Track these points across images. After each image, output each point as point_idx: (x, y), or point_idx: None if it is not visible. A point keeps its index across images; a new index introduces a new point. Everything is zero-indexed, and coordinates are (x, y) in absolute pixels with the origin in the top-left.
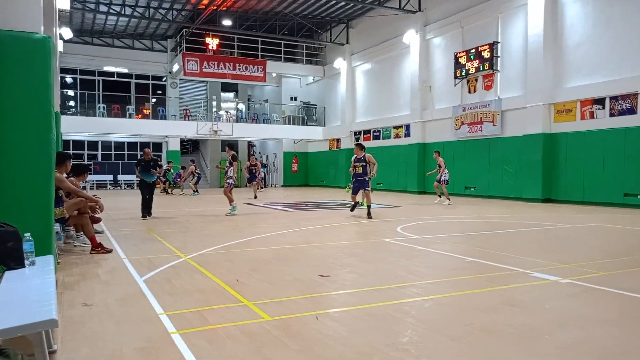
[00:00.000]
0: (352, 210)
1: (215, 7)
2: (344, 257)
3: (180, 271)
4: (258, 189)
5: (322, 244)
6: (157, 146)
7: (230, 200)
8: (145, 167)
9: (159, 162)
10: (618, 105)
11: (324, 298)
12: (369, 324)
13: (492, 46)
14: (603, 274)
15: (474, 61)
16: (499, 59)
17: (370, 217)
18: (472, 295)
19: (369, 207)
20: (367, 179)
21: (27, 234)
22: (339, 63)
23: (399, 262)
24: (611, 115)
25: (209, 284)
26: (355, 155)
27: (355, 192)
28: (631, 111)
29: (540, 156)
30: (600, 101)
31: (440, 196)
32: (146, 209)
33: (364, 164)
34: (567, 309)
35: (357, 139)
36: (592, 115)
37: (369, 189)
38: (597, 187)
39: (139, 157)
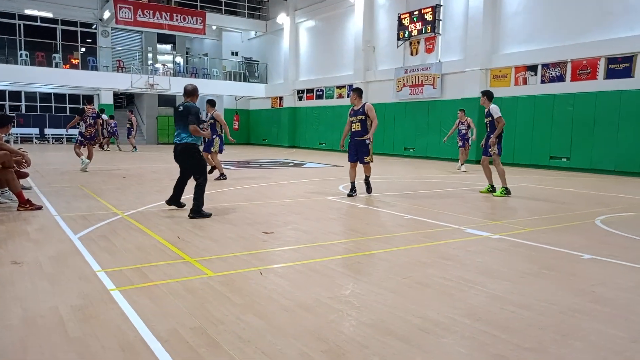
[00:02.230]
0: (351, 193)
1: None
2: (287, 215)
3: (118, 228)
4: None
5: (265, 201)
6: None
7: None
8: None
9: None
10: (549, 72)
11: (267, 254)
12: (312, 278)
13: (435, 9)
14: (529, 230)
15: (417, 23)
16: (441, 22)
17: (370, 192)
18: (409, 250)
19: (367, 177)
20: (367, 142)
21: None
22: (282, 18)
23: (340, 219)
24: (542, 82)
25: (149, 241)
26: (352, 106)
27: (349, 159)
28: (560, 78)
29: (476, 120)
30: (533, 68)
31: (463, 163)
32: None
33: (363, 117)
34: (497, 262)
35: (299, 98)
36: (524, 82)
37: (370, 157)
38: (526, 150)
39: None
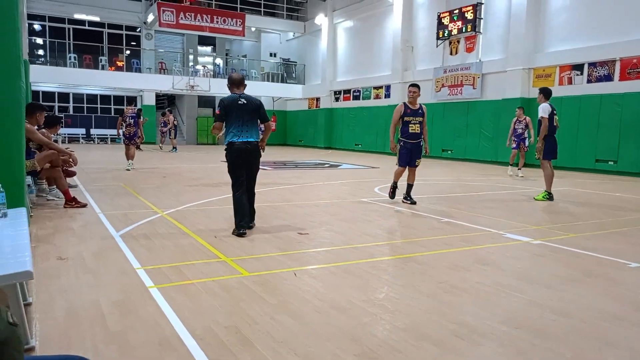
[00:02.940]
0: (392, 194)
1: None
2: (322, 216)
3: (157, 227)
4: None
5: (300, 202)
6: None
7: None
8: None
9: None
10: (596, 71)
11: (302, 255)
12: (346, 280)
13: (476, 7)
14: (572, 236)
15: (457, 22)
16: (481, 21)
17: (411, 201)
18: (447, 254)
19: (410, 186)
20: (422, 144)
21: None
22: (321, 19)
23: (376, 222)
24: (588, 81)
25: (187, 240)
26: (409, 106)
27: (404, 164)
28: (608, 78)
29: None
30: (578, 67)
31: (520, 167)
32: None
33: (422, 119)
34: (537, 267)
35: (336, 99)
36: (570, 81)
37: (420, 160)
38: (570, 152)
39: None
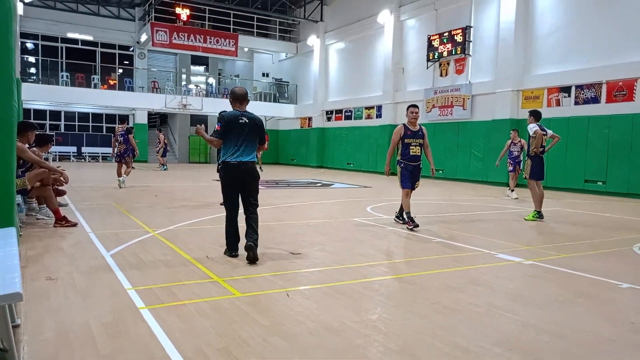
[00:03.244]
0: (412, 225)
1: None
2: (314, 236)
3: (149, 246)
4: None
5: (292, 222)
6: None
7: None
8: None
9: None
10: (583, 93)
11: (294, 275)
12: (339, 301)
13: (465, 30)
14: (563, 256)
15: (447, 45)
16: (471, 43)
17: (404, 221)
18: (439, 274)
19: (404, 210)
20: (421, 167)
21: None
22: (313, 40)
23: (368, 241)
24: (576, 103)
25: (178, 260)
26: (409, 127)
27: (409, 186)
28: (595, 100)
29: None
30: (566, 89)
31: (513, 190)
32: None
33: (422, 141)
34: (529, 288)
35: (328, 118)
36: (557, 103)
37: (419, 183)
38: (559, 173)
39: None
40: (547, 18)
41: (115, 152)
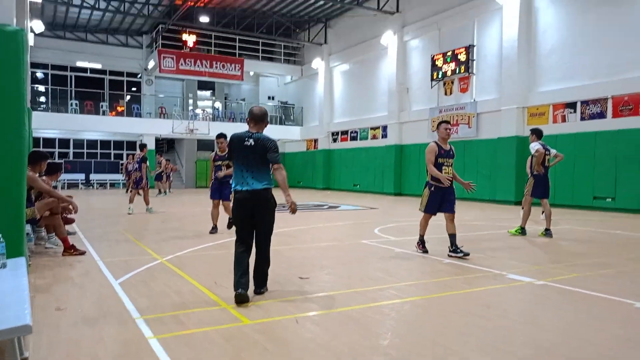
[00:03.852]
0: (423, 247)
1: (192, 4)
2: (323, 259)
3: (157, 273)
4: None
5: (300, 245)
6: (132, 145)
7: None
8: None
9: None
10: (589, 109)
11: (303, 301)
12: (349, 326)
13: (468, 49)
14: (575, 276)
15: (451, 64)
16: (474, 62)
17: (463, 253)
18: (449, 297)
19: (452, 236)
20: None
21: None
22: (317, 63)
23: (377, 264)
24: (582, 119)
25: (187, 287)
26: (441, 146)
27: (431, 211)
28: (601, 115)
29: (514, 159)
30: (571, 105)
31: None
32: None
33: (452, 162)
34: (542, 310)
35: (334, 140)
36: (563, 119)
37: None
38: (567, 189)
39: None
40: (549, 35)
41: (133, 178)
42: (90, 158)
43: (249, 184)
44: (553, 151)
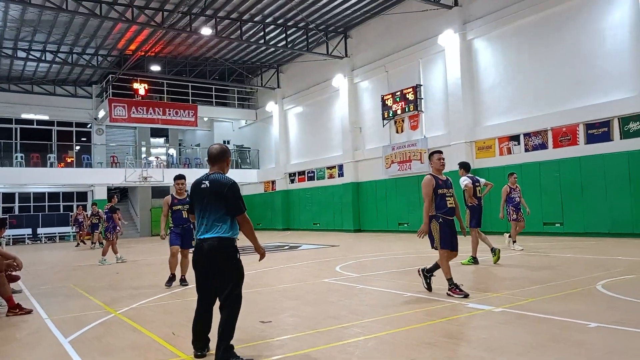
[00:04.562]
0: (461, 293)
1: (142, 53)
2: (284, 301)
3: (111, 328)
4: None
5: (261, 288)
6: (82, 195)
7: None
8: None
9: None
10: (531, 141)
11: (266, 345)
12: None
13: (416, 89)
14: (532, 300)
15: (400, 103)
16: (422, 100)
17: (463, 295)
18: (413, 330)
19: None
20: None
21: None
22: (271, 106)
23: (339, 302)
24: (526, 150)
25: (144, 340)
26: (438, 177)
27: (449, 246)
28: (543, 146)
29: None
30: (515, 138)
31: (515, 240)
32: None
33: (452, 190)
34: (503, 336)
35: (292, 180)
36: (509, 151)
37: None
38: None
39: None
40: (489, 73)
41: (100, 229)
42: (37, 211)
43: (207, 232)
44: (482, 180)
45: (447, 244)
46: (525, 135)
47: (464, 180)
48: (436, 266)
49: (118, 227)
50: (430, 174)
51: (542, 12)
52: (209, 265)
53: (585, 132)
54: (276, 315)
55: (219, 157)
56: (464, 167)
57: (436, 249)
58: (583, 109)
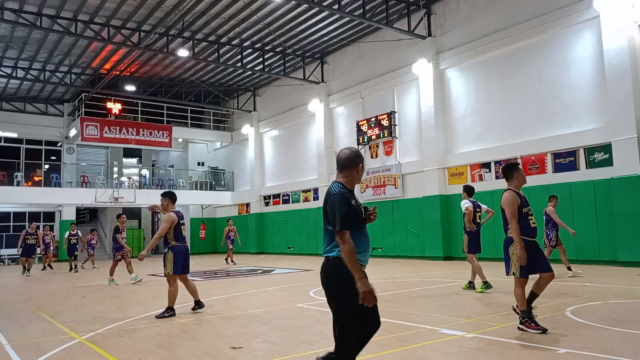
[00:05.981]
0: (539, 328)
1: (117, 73)
2: (256, 326)
3: (74, 354)
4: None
5: (233, 313)
6: (49, 216)
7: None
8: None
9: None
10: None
11: None
12: None
13: (390, 115)
14: (502, 326)
15: (375, 128)
16: (397, 126)
17: (542, 330)
18: (385, 356)
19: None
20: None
21: None
22: (247, 129)
23: (312, 327)
24: (497, 177)
25: None
26: (520, 193)
27: (526, 274)
28: None
29: (439, 216)
30: (486, 165)
31: (568, 266)
32: None
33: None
34: None
35: (266, 203)
36: (480, 178)
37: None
38: (490, 244)
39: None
40: (461, 102)
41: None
42: (1, 232)
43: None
44: (484, 207)
45: (525, 272)
46: (496, 162)
47: (465, 204)
48: (531, 295)
49: (124, 247)
50: (510, 189)
51: (511, 45)
52: (326, 290)
53: (553, 161)
54: (247, 340)
55: (344, 164)
56: (468, 190)
57: (514, 275)
58: (551, 139)
